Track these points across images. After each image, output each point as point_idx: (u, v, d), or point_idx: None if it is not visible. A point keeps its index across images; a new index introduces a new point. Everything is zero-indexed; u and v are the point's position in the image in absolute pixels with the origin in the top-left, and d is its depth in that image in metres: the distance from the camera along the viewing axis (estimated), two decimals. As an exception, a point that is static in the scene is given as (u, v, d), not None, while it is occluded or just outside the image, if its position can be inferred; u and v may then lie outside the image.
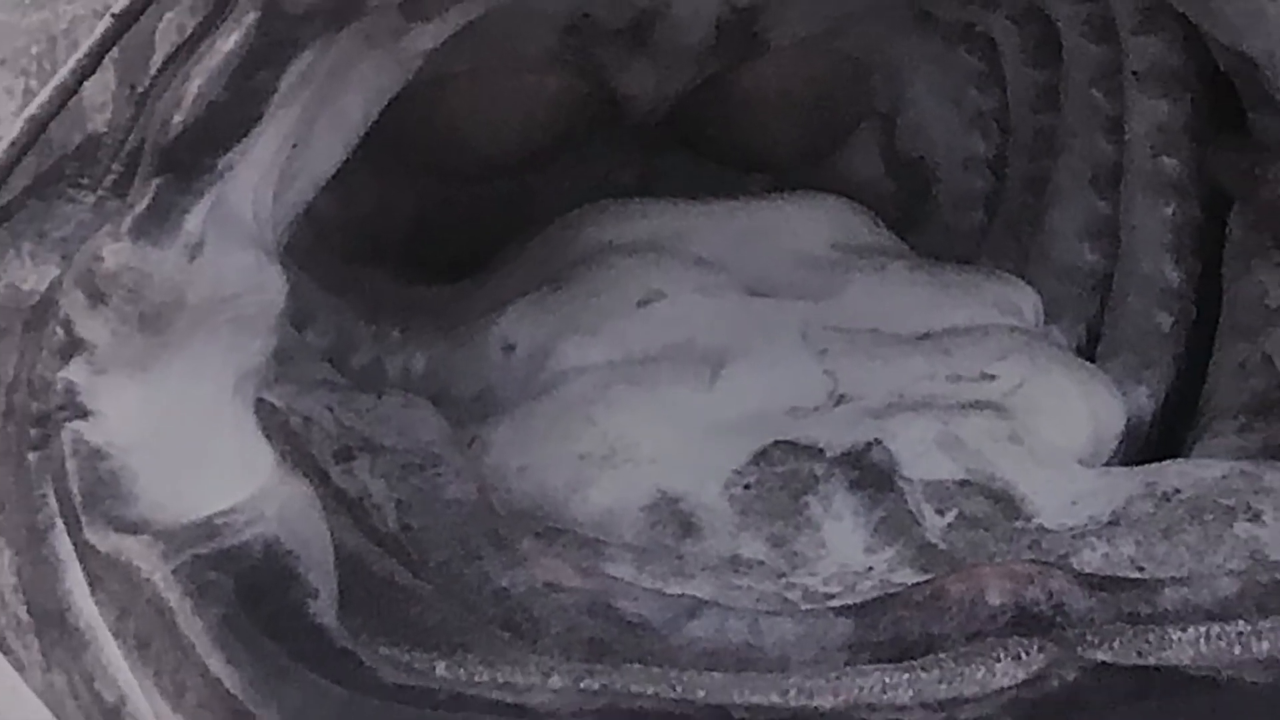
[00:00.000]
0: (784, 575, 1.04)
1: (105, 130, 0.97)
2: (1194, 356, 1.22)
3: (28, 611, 0.98)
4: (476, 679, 0.88)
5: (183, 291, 0.95)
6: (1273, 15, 1.10)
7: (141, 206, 0.94)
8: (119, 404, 0.95)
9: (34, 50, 1.02)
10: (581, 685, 0.86)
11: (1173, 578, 1.00)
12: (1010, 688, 0.85)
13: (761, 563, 1.04)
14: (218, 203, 0.95)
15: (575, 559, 1.01)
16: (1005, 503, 1.08)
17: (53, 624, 0.96)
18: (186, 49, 0.95)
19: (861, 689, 0.86)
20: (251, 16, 0.93)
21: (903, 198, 1.32)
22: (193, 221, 0.95)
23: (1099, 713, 0.84)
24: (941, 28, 1.29)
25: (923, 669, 0.87)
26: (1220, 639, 0.89)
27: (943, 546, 1.05)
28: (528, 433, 1.10)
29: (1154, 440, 1.20)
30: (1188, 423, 1.20)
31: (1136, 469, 1.11)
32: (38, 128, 0.96)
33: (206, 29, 0.94)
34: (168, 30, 0.96)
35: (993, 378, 1.14)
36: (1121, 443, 1.17)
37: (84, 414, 0.95)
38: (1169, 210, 1.23)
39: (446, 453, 1.06)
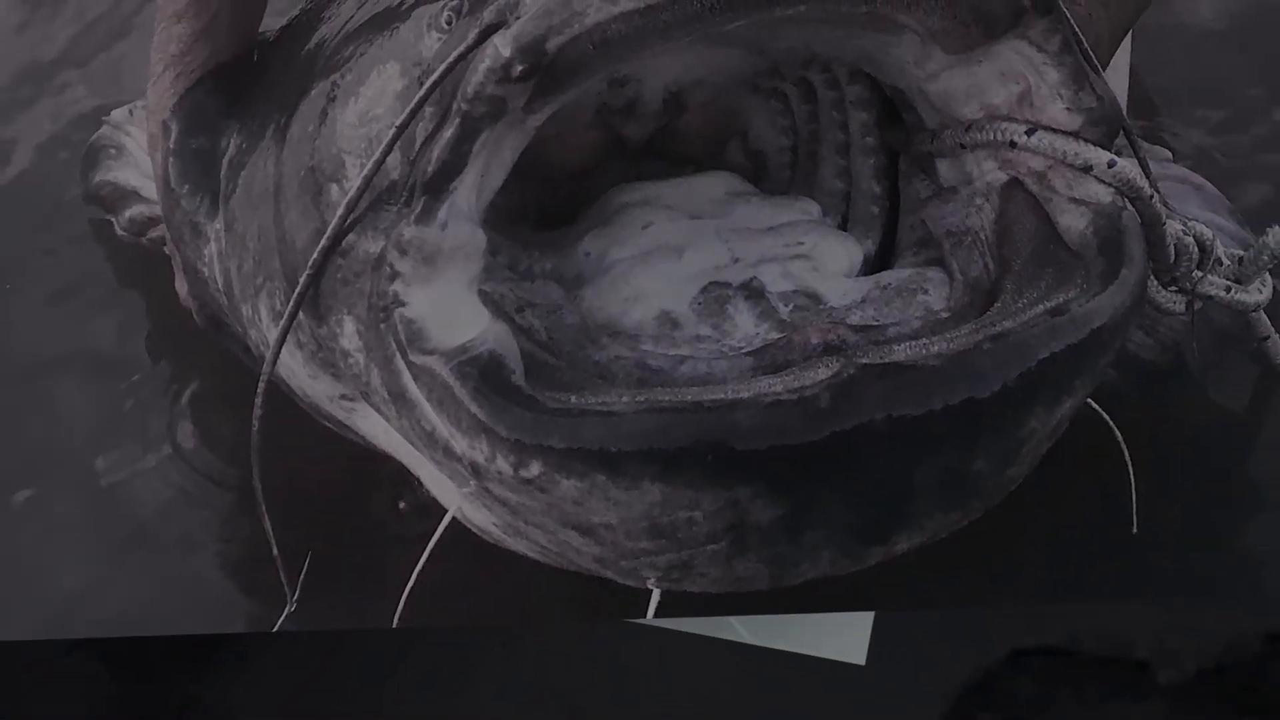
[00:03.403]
0: (720, 341, 1.02)
1: (398, 178, 0.96)
2: (891, 226, 1.20)
3: (388, 394, 0.98)
4: (588, 401, 0.88)
5: (440, 246, 0.95)
6: (907, 70, 1.08)
7: (417, 210, 0.94)
8: (417, 299, 0.95)
9: (363, 145, 1.00)
10: (637, 399, 0.86)
11: (892, 323, 1.00)
12: (826, 378, 0.85)
13: (709, 336, 1.03)
14: (452, 205, 0.95)
15: (628, 344, 1.00)
16: (814, 298, 1.06)
17: (398, 398, 0.97)
18: (430, 137, 0.94)
19: (759, 387, 0.86)
20: (457, 121, 0.92)
21: (754, 170, 1.31)
22: (441, 214, 0.94)
23: (867, 385, 0.84)
24: (763, 90, 1.27)
25: (787, 375, 0.88)
26: (916, 348, 0.89)
27: (789, 320, 1.04)
28: (599, 292, 1.08)
29: (876, 266, 1.19)
30: (891, 256, 1.19)
31: (869, 276, 1.10)
32: (366, 182, 0.96)
33: (438, 128, 0.93)
34: (420, 131, 0.94)
35: (802, 243, 1.12)
36: (861, 268, 1.16)
37: (402, 304, 0.95)
38: (871, 161, 1.21)
39: (565, 304, 1.05)
